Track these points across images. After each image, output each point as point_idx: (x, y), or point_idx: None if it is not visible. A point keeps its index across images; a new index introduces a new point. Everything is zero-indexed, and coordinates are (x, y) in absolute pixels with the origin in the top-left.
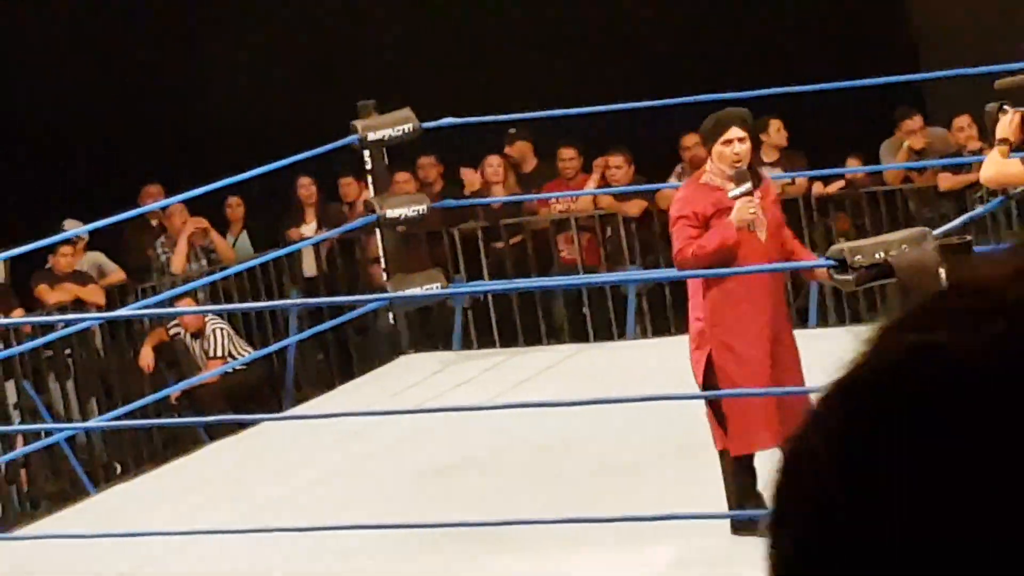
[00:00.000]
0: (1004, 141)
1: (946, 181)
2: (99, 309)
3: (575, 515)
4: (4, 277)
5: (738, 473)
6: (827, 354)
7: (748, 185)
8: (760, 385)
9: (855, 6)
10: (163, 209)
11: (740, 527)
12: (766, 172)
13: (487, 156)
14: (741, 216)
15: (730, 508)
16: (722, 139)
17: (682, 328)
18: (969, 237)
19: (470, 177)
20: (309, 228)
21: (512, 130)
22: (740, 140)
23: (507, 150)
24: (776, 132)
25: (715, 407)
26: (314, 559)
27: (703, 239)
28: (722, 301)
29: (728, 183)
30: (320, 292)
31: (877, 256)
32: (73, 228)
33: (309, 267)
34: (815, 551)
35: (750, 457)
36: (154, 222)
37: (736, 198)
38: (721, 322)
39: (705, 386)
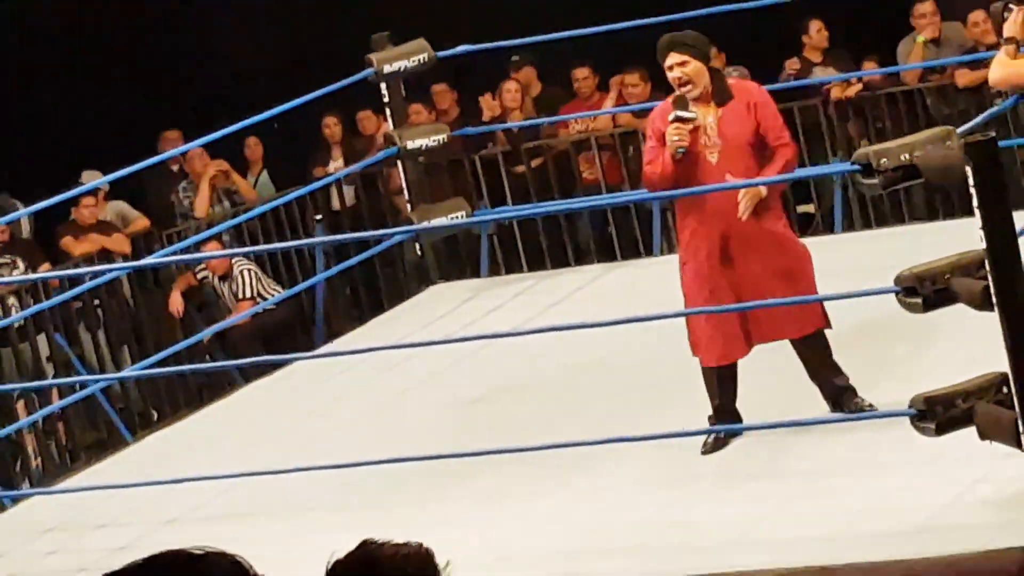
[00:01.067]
0: (1011, 40)
1: (963, 77)
2: (125, 258)
3: (613, 435)
4: (29, 231)
5: (708, 383)
6: (854, 258)
7: (681, 112)
8: (705, 302)
9: None
10: (183, 154)
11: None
12: (750, 87)
13: (504, 82)
14: (669, 144)
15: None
16: (665, 66)
17: None
18: (993, 133)
19: (488, 103)
20: (336, 165)
21: (515, 57)
22: (680, 65)
23: (513, 76)
24: (817, 33)
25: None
26: (355, 494)
27: (654, 164)
28: (680, 221)
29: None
30: (345, 227)
31: (903, 158)
32: (92, 179)
33: (333, 203)
34: None
35: (714, 369)
36: (175, 167)
37: (671, 123)
38: (680, 241)
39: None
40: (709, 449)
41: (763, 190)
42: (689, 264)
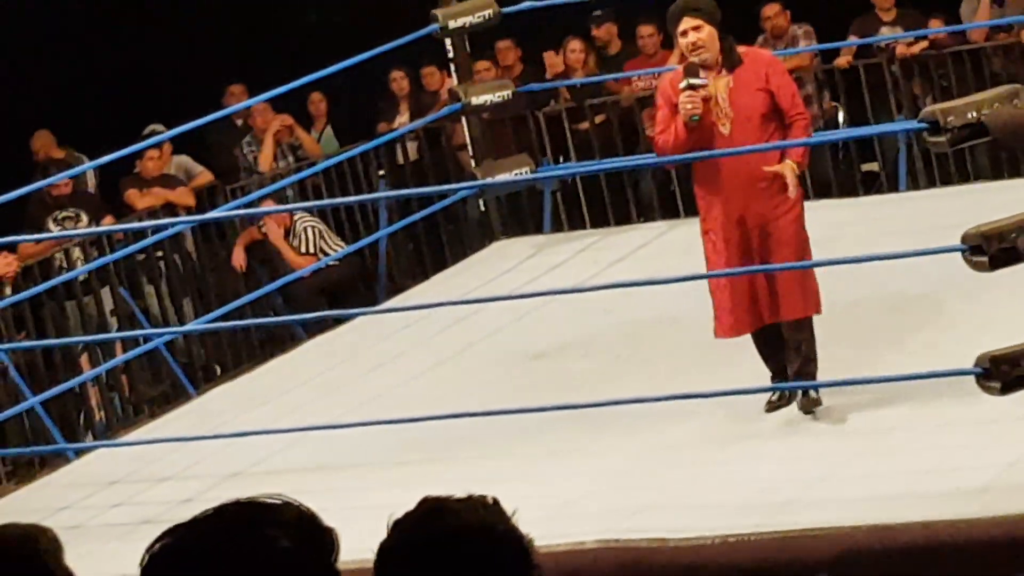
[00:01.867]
0: None
1: None
2: (189, 212)
3: (677, 392)
4: (94, 185)
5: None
6: (919, 217)
7: (692, 79)
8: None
9: None
10: (247, 109)
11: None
12: (764, 54)
13: (567, 39)
14: (682, 112)
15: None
16: (679, 32)
17: None
18: None
19: (552, 60)
20: (402, 120)
21: (597, 12)
22: (694, 29)
23: (594, 32)
24: None
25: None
26: (417, 450)
27: (667, 132)
28: (698, 189)
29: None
30: (409, 183)
31: (970, 116)
32: (156, 133)
33: (397, 159)
34: None
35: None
36: (239, 122)
37: (682, 91)
38: (700, 208)
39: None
40: (773, 407)
41: (795, 165)
42: (710, 234)
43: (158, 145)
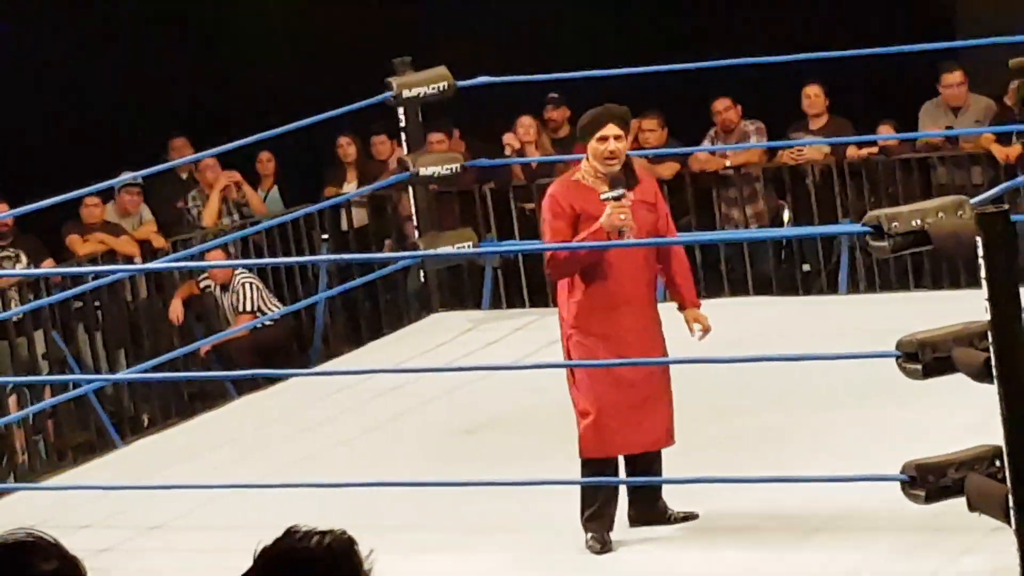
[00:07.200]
0: None
1: (975, 144)
2: (129, 261)
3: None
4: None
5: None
6: (856, 320)
7: (621, 190)
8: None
9: None
10: (195, 163)
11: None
12: (647, 172)
13: (520, 116)
14: (611, 221)
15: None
16: (598, 135)
17: (713, 291)
18: (1007, 206)
19: (509, 139)
20: (351, 187)
21: (554, 95)
22: (616, 138)
23: (547, 114)
24: (815, 98)
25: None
26: (340, 516)
27: (574, 246)
28: (588, 304)
29: (601, 183)
30: (352, 249)
31: (914, 223)
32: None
33: (342, 224)
34: None
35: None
36: (183, 175)
37: (607, 201)
38: (569, 310)
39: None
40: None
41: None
42: (578, 339)
43: (99, 192)
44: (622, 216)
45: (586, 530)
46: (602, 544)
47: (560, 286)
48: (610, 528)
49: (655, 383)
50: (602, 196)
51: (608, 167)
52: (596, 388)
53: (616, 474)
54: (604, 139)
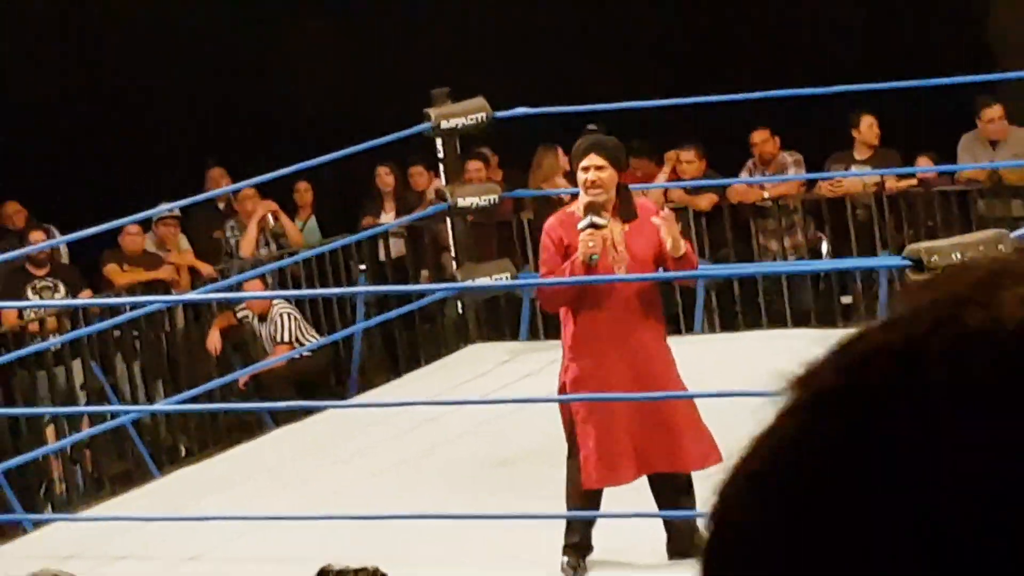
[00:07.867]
0: None
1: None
2: (168, 291)
3: (634, 509)
4: (66, 256)
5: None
6: None
7: (596, 218)
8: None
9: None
10: (234, 193)
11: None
12: (651, 205)
13: (555, 146)
14: (583, 250)
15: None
16: (581, 165)
17: (750, 323)
18: None
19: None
20: (388, 217)
21: (591, 126)
22: (597, 168)
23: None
24: (868, 129)
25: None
26: (376, 547)
27: (556, 275)
28: (579, 334)
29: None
30: (389, 280)
31: (954, 256)
32: (169, 209)
33: (379, 255)
34: None
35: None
36: (220, 205)
37: (582, 231)
38: (567, 340)
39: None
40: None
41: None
42: (577, 372)
43: (140, 223)
44: (590, 244)
45: (564, 553)
46: (575, 569)
47: (562, 318)
48: (587, 553)
49: (663, 411)
50: (578, 226)
51: (591, 196)
52: (591, 419)
53: (599, 504)
54: (586, 169)
